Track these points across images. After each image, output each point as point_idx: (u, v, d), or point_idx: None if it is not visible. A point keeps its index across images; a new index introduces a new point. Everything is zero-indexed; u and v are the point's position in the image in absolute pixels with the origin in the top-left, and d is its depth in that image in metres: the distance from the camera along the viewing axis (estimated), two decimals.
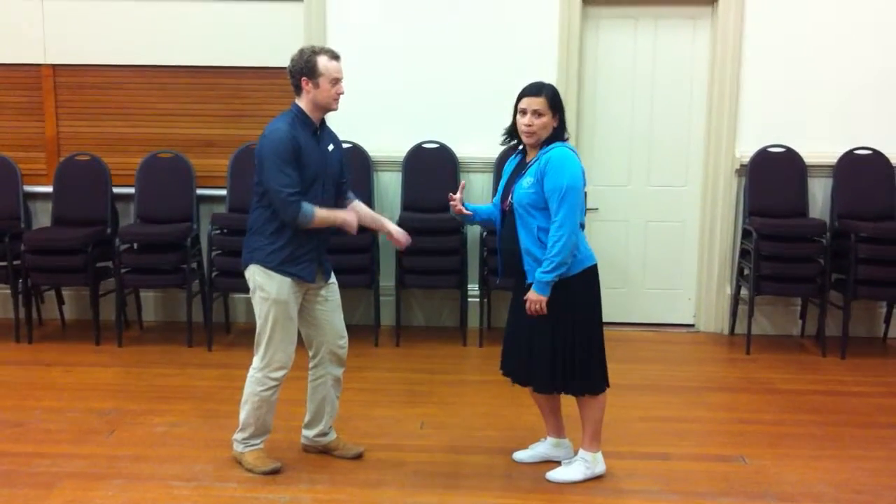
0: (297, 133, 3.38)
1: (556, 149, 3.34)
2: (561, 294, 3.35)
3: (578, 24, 5.51)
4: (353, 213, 3.54)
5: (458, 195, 3.54)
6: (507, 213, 3.47)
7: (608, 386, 3.55)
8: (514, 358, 3.56)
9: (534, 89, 3.37)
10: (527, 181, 3.35)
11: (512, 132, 3.49)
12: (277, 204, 3.36)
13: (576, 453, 3.62)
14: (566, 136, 3.43)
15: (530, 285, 3.38)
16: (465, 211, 3.55)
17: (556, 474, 3.56)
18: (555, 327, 3.38)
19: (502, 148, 3.66)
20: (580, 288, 3.40)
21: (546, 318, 3.36)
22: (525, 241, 3.38)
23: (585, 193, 5.61)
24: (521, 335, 3.51)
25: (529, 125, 3.34)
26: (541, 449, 3.73)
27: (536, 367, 3.46)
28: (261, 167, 3.40)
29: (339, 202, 3.64)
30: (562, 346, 3.40)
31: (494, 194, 5.32)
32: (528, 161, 3.43)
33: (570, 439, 3.71)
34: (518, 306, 3.49)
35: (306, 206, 3.37)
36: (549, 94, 3.35)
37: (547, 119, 3.34)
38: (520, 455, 3.75)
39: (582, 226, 3.45)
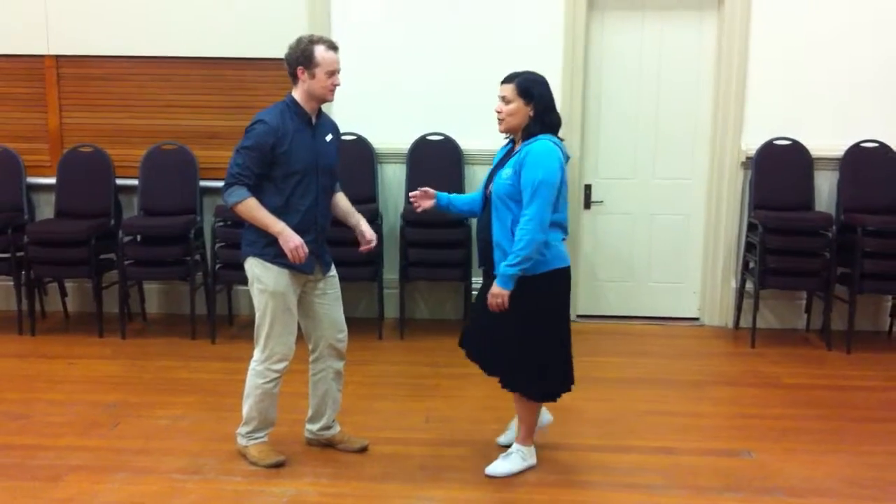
0: (285, 125, 3.34)
1: (538, 141, 3.28)
2: (527, 292, 3.28)
3: (584, 17, 5.48)
4: (298, 239, 3.33)
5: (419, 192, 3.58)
6: (487, 202, 3.43)
7: (560, 395, 3.50)
8: (476, 344, 3.54)
9: (506, 77, 3.36)
10: (506, 172, 3.31)
11: None
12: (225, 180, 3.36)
13: (509, 447, 3.61)
14: (552, 125, 3.33)
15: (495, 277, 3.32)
16: (425, 205, 3.59)
17: (496, 468, 3.51)
18: (518, 325, 3.33)
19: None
20: (546, 289, 3.32)
21: (509, 314, 3.29)
22: (497, 232, 3.33)
23: (589, 186, 5.68)
24: (484, 325, 3.44)
25: (498, 111, 3.36)
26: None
27: (501, 363, 3.43)
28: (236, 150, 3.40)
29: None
30: (528, 345, 3.35)
31: None
32: (513, 151, 3.40)
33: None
34: (485, 296, 3.42)
35: (240, 193, 3.31)
36: (519, 82, 3.30)
37: (515, 106, 3.30)
38: (503, 439, 3.75)
39: (565, 229, 3.38)
